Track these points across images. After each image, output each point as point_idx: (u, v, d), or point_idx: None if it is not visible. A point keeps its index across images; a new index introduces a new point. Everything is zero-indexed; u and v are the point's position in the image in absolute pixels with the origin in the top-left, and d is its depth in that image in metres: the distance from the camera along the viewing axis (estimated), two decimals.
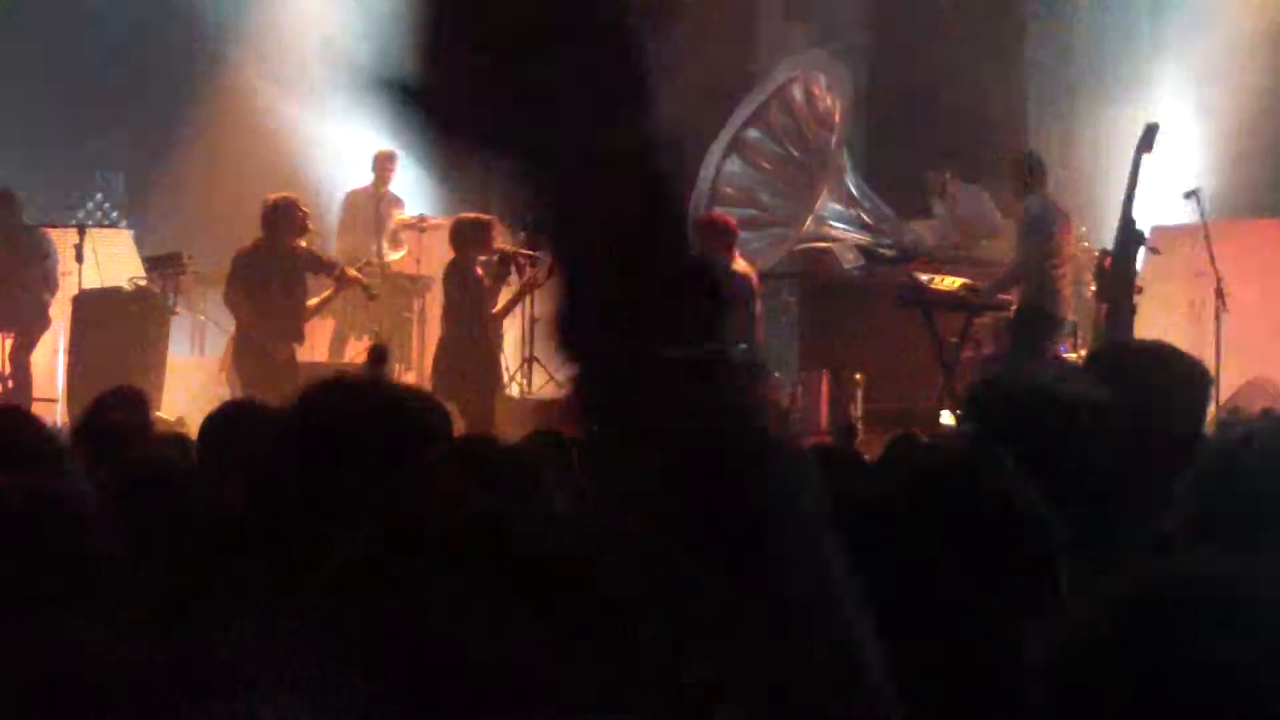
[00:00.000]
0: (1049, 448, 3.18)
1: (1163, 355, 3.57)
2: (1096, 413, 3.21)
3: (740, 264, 12.31)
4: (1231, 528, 2.40)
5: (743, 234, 14.03)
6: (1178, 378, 3.47)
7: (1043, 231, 11.89)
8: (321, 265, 12.61)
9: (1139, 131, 12.54)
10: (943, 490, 2.16)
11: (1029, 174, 12.26)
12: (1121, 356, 3.65)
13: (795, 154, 14.21)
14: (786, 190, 14.08)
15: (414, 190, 14.99)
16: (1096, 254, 12.63)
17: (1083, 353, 11.68)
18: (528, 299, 12.74)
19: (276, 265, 12.11)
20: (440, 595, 1.34)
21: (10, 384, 13.27)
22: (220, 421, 4.45)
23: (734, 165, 14.43)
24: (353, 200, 14.82)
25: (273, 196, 12.48)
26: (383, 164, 14.41)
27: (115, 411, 5.24)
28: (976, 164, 13.80)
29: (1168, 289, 13.67)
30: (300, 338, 12.43)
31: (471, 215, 12.08)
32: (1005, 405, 3.45)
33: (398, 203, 14.67)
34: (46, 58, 15.56)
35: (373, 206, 14.43)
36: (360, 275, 12.85)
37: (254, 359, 12.01)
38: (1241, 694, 1.22)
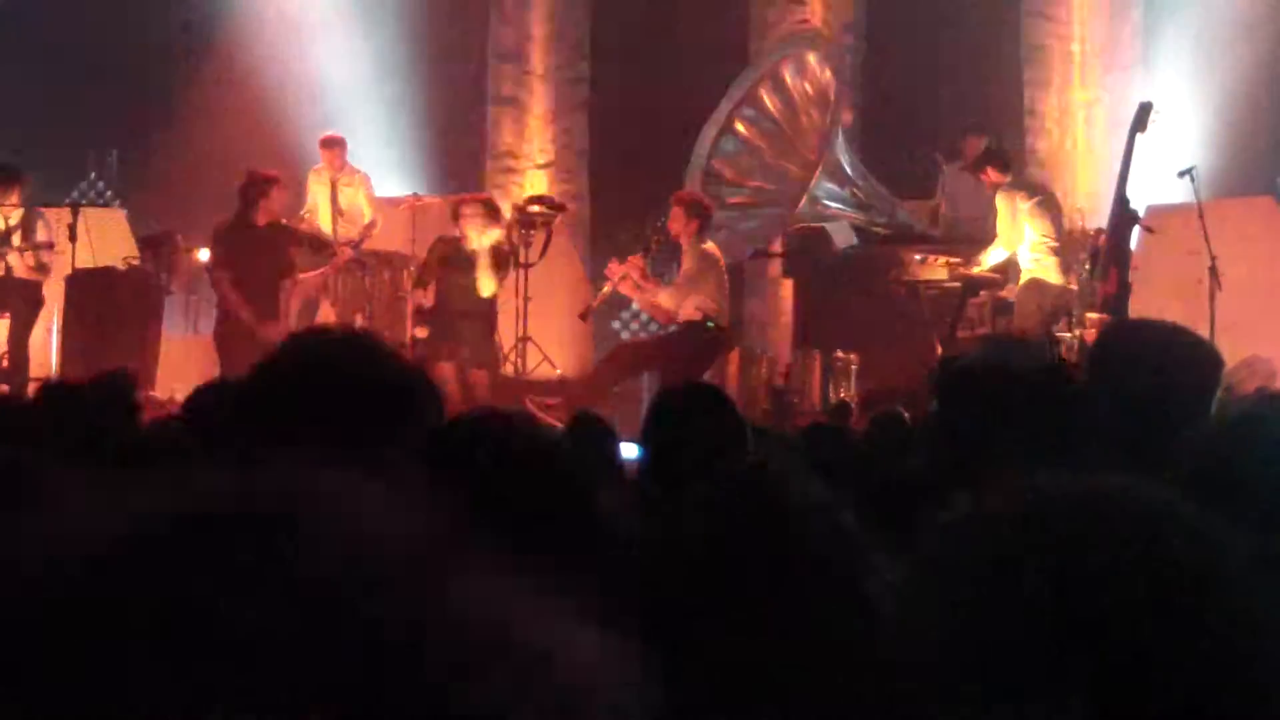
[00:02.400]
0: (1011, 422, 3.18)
1: (1174, 336, 3.56)
2: (1049, 386, 3.21)
3: (708, 244, 12.33)
4: (1226, 503, 2.39)
5: (737, 214, 14.05)
6: (1189, 359, 3.47)
7: (1024, 210, 12.03)
8: (313, 243, 12.58)
9: (1133, 110, 12.56)
10: None
11: (1001, 157, 12.39)
12: (1133, 337, 3.63)
13: (789, 133, 14.19)
14: (780, 170, 14.07)
15: (399, 169, 14.97)
16: (1091, 233, 12.65)
17: (1078, 332, 11.70)
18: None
19: (256, 240, 12.05)
20: None
21: (7, 363, 13.26)
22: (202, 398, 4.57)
23: (728, 145, 14.41)
24: (309, 181, 14.62)
25: (255, 171, 12.46)
26: (326, 149, 14.27)
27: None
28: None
29: (1162, 268, 13.67)
30: (277, 315, 12.34)
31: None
32: (966, 384, 3.45)
33: (363, 181, 14.45)
34: (40, 36, 15.51)
35: (325, 188, 14.23)
36: (354, 253, 12.82)
37: (234, 335, 11.96)
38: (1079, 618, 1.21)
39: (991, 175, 12.38)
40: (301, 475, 0.73)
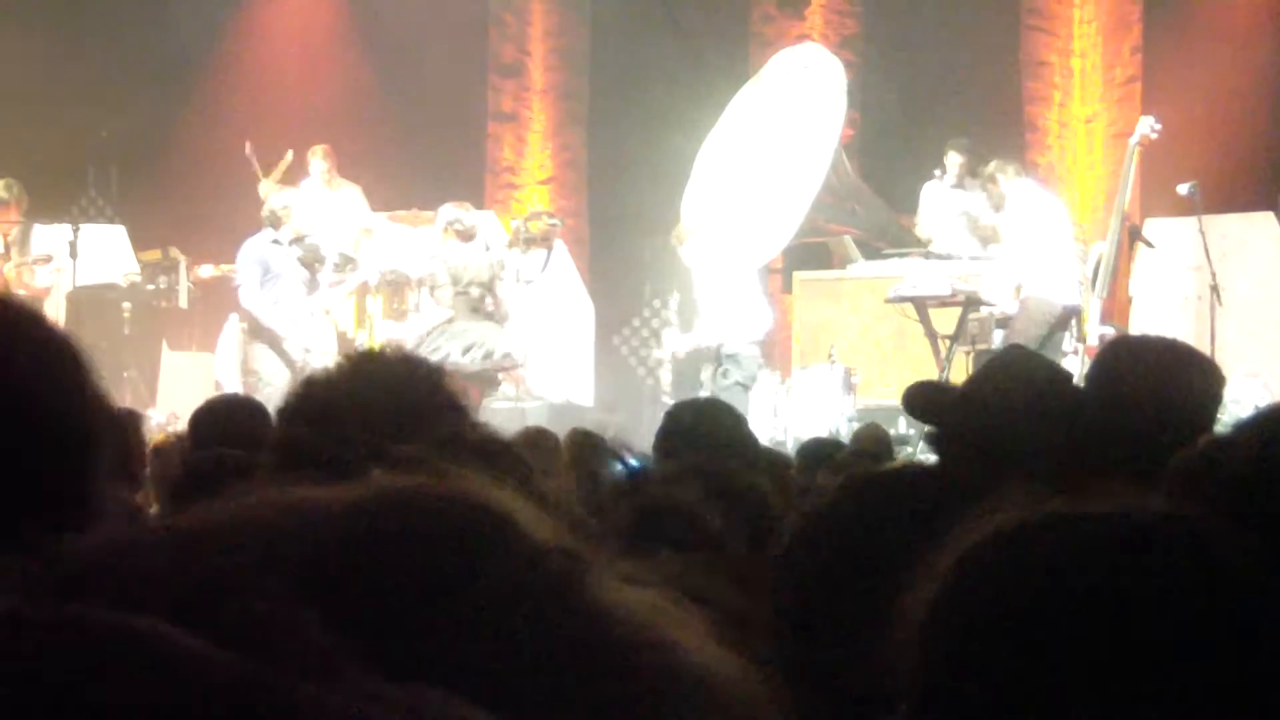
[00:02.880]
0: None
1: (1175, 352, 3.55)
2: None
3: (725, 265, 12.47)
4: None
5: (738, 228, 14.05)
6: (1191, 375, 3.46)
7: (1032, 221, 12.03)
8: (339, 261, 12.55)
9: (1134, 125, 12.58)
10: None
11: (1009, 162, 12.39)
12: (1134, 352, 3.62)
13: (790, 148, 14.19)
14: (781, 184, 14.07)
15: (399, 184, 14.98)
16: (1090, 247, 12.66)
17: (1079, 345, 11.69)
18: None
19: (285, 258, 12.06)
20: None
21: None
22: (209, 413, 4.59)
23: (729, 159, 14.42)
24: (299, 193, 14.48)
25: (276, 192, 12.53)
26: (317, 161, 14.20)
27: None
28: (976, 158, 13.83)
29: (1163, 283, 13.68)
30: (303, 334, 12.35)
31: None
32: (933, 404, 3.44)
33: (353, 194, 14.36)
34: (40, 53, 15.50)
35: (315, 202, 14.15)
36: (379, 274, 12.78)
37: (265, 353, 11.93)
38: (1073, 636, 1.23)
39: (1000, 182, 12.36)
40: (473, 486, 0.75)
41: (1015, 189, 12.26)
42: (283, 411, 2.46)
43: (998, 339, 12.12)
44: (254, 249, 12.21)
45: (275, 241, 12.12)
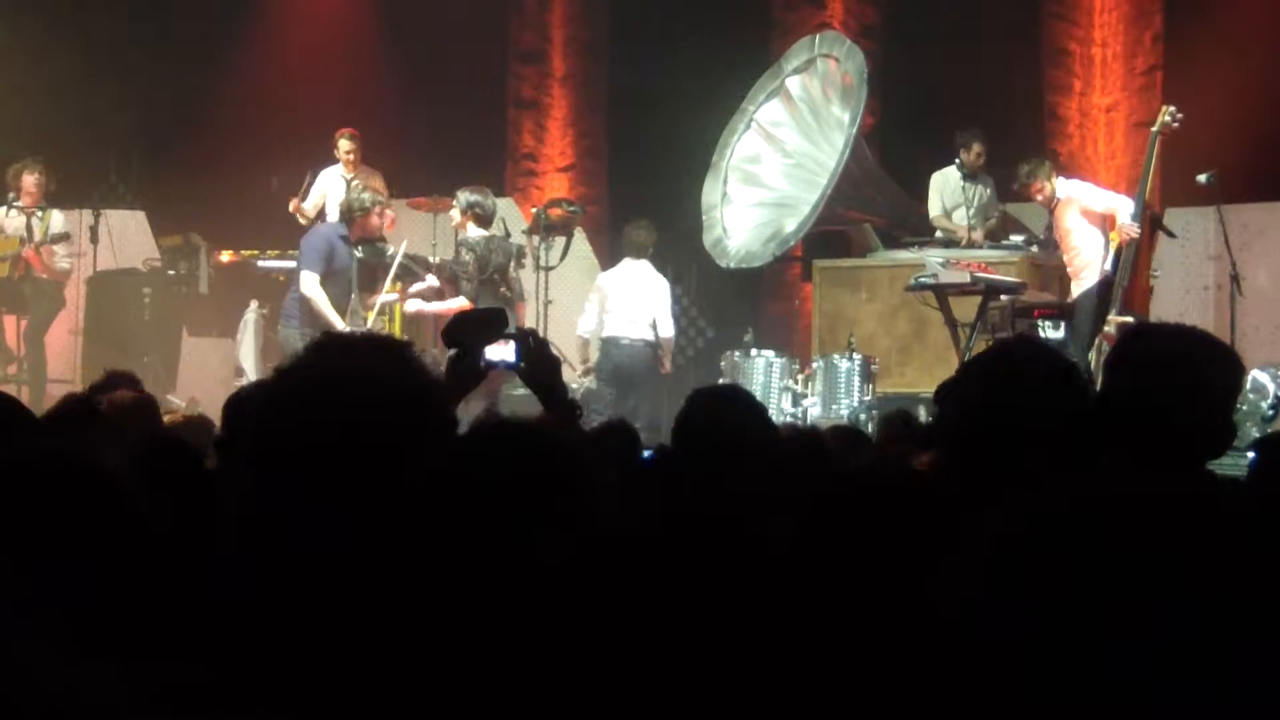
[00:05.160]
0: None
1: (1195, 340, 3.54)
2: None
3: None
4: None
5: (758, 215, 14.05)
6: (1210, 364, 3.45)
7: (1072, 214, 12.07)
8: (413, 265, 12.40)
9: (1154, 115, 12.55)
10: None
11: (1045, 164, 12.38)
12: (1153, 340, 3.61)
13: (810, 135, 14.18)
14: (801, 172, 14.06)
15: (420, 171, 14.99)
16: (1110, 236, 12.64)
17: (1097, 337, 11.69)
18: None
19: (343, 256, 11.86)
20: None
21: (19, 366, 13.27)
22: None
23: (750, 147, 14.40)
24: (321, 180, 14.37)
25: (361, 189, 12.46)
26: (346, 142, 14.12)
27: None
28: (994, 147, 13.81)
29: (1183, 272, 13.66)
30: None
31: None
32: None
33: (375, 178, 14.24)
34: (61, 38, 15.53)
35: (340, 187, 14.05)
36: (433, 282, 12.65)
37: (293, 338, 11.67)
38: (1144, 602, 1.25)
39: (1046, 188, 12.35)
40: None
41: (1058, 187, 12.31)
42: (264, 402, 2.45)
43: (1017, 327, 12.12)
44: (322, 237, 11.92)
45: (343, 237, 11.86)
